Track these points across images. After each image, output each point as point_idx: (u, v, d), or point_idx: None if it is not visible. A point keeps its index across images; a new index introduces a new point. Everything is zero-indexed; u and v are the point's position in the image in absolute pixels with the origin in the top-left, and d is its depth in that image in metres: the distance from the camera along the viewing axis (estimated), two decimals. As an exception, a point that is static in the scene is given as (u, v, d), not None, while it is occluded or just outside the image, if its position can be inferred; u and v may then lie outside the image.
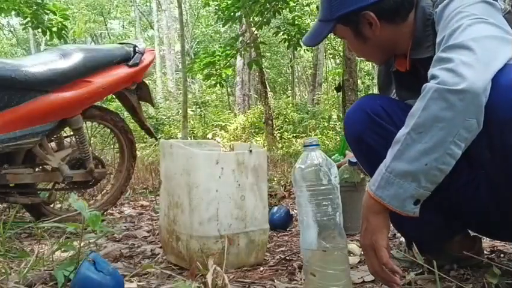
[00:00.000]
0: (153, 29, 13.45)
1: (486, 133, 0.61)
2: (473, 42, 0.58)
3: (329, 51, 10.47)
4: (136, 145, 1.74)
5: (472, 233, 0.87)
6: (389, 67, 0.87)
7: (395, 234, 1.20)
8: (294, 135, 6.76)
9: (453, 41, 0.60)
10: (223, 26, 4.77)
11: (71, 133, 1.51)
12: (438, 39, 0.65)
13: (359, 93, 4.08)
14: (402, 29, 0.75)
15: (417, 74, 0.76)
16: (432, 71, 0.60)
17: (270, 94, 7.53)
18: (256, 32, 4.68)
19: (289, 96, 10.13)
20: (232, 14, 4.14)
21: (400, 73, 0.82)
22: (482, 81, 0.56)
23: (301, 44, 4.72)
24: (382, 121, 0.77)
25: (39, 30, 3.77)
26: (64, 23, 3.81)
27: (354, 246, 1.01)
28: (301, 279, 0.80)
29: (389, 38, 0.75)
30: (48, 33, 3.76)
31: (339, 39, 9.23)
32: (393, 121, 0.77)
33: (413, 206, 0.61)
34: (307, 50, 9.06)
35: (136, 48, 1.55)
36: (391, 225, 0.79)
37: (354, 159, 0.68)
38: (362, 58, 0.85)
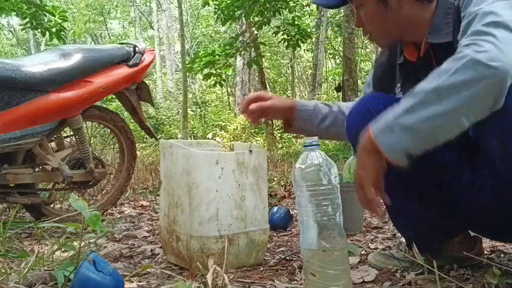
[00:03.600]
0: (153, 29, 13.45)
1: (499, 131, 0.61)
2: None
3: (329, 51, 10.47)
4: (136, 145, 1.74)
5: (472, 234, 0.87)
6: (392, 61, 0.84)
7: (395, 235, 1.20)
8: (294, 135, 6.75)
9: (494, 19, 0.58)
10: (222, 25, 4.78)
11: (71, 133, 1.51)
12: (468, 18, 0.63)
13: (359, 93, 4.09)
14: (424, 12, 0.72)
15: (428, 64, 0.73)
16: (471, 39, 0.58)
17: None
18: (256, 32, 4.68)
19: (289, 96, 10.12)
20: (231, 13, 4.14)
21: (408, 65, 0.79)
22: None
23: (300, 45, 4.72)
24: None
25: (39, 31, 3.78)
26: (62, 24, 3.81)
27: (354, 246, 1.02)
28: (301, 280, 0.80)
29: (410, 17, 0.73)
30: (47, 34, 3.76)
31: (339, 39, 9.22)
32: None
33: (405, 158, 0.61)
34: (307, 49, 9.06)
35: (136, 49, 1.55)
36: (392, 225, 0.78)
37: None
38: (367, 35, 0.80)
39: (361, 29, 0.80)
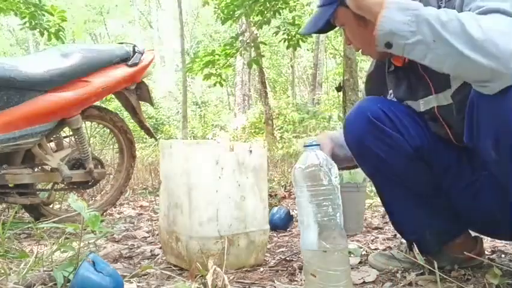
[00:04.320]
0: (153, 29, 13.45)
1: (492, 135, 0.61)
2: None
3: (329, 51, 10.47)
4: (136, 145, 1.73)
5: (473, 234, 0.87)
6: (380, 71, 0.86)
7: (395, 235, 1.20)
8: (294, 135, 6.75)
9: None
10: (222, 25, 4.76)
11: (71, 133, 1.51)
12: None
13: (359, 93, 4.08)
14: None
15: (415, 69, 0.75)
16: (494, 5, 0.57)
17: (270, 94, 7.54)
18: (256, 32, 4.68)
19: (289, 96, 10.12)
20: (231, 12, 4.13)
21: (397, 71, 0.81)
22: None
23: (300, 45, 4.74)
24: (383, 125, 0.76)
25: (37, 30, 3.77)
26: (61, 24, 3.81)
27: (354, 247, 1.01)
28: (301, 280, 0.80)
29: None
30: (46, 34, 3.76)
31: (340, 39, 9.22)
32: (394, 124, 0.76)
33: (387, 40, 0.60)
34: (307, 49, 9.05)
35: (136, 48, 1.54)
36: (390, 227, 0.78)
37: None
38: (359, 51, 0.82)
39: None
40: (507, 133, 0.59)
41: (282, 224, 1.34)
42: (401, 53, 0.61)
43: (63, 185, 1.52)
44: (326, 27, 0.79)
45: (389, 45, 0.61)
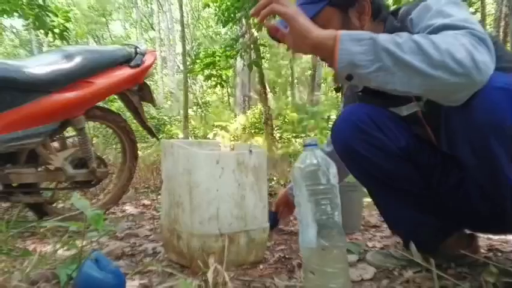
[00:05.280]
0: (154, 31, 13.47)
1: (468, 140, 0.62)
2: (486, 39, 0.57)
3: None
4: (138, 145, 1.75)
5: (468, 232, 0.88)
6: (353, 92, 0.88)
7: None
8: (294, 135, 6.75)
9: (469, 29, 0.57)
10: (223, 27, 4.78)
11: (74, 133, 1.53)
12: (427, 31, 0.62)
13: (359, 93, 4.07)
14: (378, 32, 0.74)
15: None
16: (464, 31, 0.57)
17: (269, 95, 7.53)
18: (256, 34, 4.69)
19: (288, 97, 10.12)
20: (232, 15, 4.15)
21: (366, 92, 0.83)
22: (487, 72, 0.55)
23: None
24: (369, 129, 0.77)
25: (42, 31, 3.79)
26: (65, 24, 3.83)
27: (353, 245, 1.02)
28: (300, 277, 0.81)
29: None
30: (50, 35, 3.78)
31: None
32: (379, 127, 0.78)
33: (347, 73, 0.59)
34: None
35: (138, 50, 1.56)
36: (387, 226, 0.78)
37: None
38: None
39: None
40: (482, 138, 0.61)
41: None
42: (363, 83, 0.60)
43: (66, 184, 1.53)
44: None
45: (349, 77, 0.59)
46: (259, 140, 6.38)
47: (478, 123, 0.60)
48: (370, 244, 1.11)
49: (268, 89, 7.13)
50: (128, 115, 2.71)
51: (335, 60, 0.59)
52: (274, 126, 6.43)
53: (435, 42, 0.56)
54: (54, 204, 1.56)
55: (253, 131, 7.40)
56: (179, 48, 10.70)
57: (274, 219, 1.28)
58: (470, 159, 0.65)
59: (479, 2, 6.04)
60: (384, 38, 0.58)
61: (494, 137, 0.60)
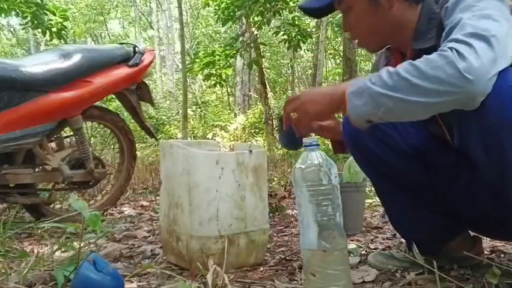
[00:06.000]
0: (153, 29, 13.46)
1: (481, 138, 0.62)
2: (493, 38, 0.57)
3: (329, 51, 10.46)
4: (136, 145, 1.74)
5: (472, 234, 0.87)
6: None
7: (395, 234, 1.20)
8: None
9: (472, 30, 0.58)
10: (222, 26, 4.77)
11: (71, 133, 1.51)
12: (450, 25, 0.63)
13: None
14: (410, 15, 0.73)
15: None
16: (451, 45, 0.58)
17: (270, 94, 7.53)
18: (256, 33, 4.69)
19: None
20: (231, 13, 4.14)
21: None
22: (486, 82, 0.56)
23: (301, 46, 4.74)
24: (380, 124, 0.76)
25: (39, 30, 3.78)
26: (63, 23, 3.82)
27: (354, 247, 1.01)
28: (301, 280, 0.80)
29: (399, 17, 0.73)
30: (48, 34, 3.76)
31: (339, 39, 9.22)
32: (391, 123, 0.77)
33: (364, 122, 0.64)
34: (307, 50, 9.05)
35: (136, 49, 1.55)
36: (390, 226, 0.77)
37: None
38: (356, 39, 0.80)
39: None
40: (494, 136, 0.60)
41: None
42: (382, 121, 0.64)
43: (64, 185, 1.53)
44: (326, 7, 0.78)
45: (369, 121, 0.64)
46: (259, 140, 6.39)
47: (490, 121, 0.59)
48: (372, 246, 1.10)
49: (268, 88, 7.14)
50: (126, 115, 2.71)
51: (350, 118, 0.65)
52: (274, 125, 6.43)
53: (423, 72, 0.57)
54: (51, 205, 1.55)
55: (253, 131, 7.40)
56: (178, 47, 10.69)
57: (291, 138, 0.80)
58: (482, 157, 0.64)
59: None
60: (376, 83, 0.61)
61: (507, 135, 0.59)
